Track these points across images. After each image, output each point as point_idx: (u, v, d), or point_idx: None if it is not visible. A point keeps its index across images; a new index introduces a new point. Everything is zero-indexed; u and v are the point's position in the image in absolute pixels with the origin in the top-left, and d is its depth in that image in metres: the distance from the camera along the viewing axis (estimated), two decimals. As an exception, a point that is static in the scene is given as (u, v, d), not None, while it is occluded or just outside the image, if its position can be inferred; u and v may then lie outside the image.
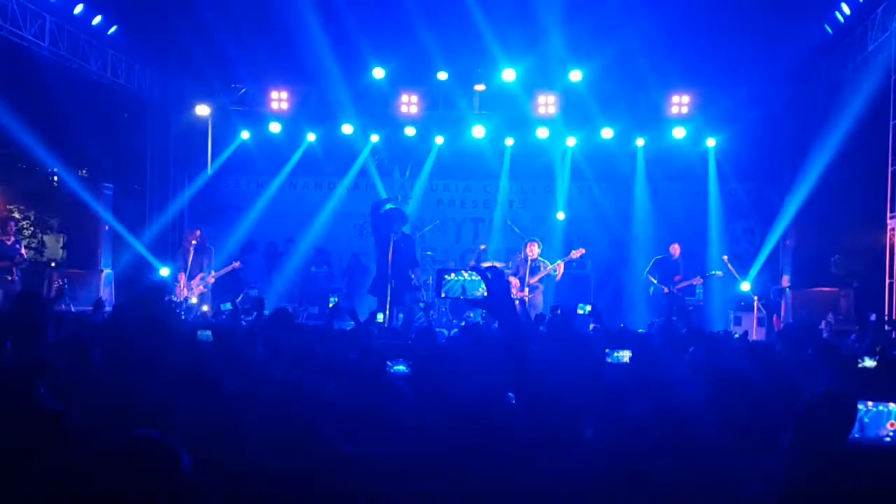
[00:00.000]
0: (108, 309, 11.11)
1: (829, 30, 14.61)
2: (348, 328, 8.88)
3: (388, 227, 12.89)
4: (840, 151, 14.32)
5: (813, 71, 16.05)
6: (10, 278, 12.85)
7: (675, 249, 14.56)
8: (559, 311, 9.31)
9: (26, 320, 5.53)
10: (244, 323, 9.71)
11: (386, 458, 3.49)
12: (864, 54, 13.87)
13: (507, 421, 3.59)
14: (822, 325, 11.25)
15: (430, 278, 15.51)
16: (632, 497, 3.25)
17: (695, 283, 14.65)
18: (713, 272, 14.81)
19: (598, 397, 4.25)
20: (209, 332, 7.31)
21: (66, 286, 12.81)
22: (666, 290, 14.28)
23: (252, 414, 4.04)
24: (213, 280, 14.13)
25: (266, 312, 9.24)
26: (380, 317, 10.24)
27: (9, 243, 13.10)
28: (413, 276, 13.31)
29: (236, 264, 14.37)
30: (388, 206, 13.88)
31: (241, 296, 14.24)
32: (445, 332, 10.95)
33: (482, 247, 16.58)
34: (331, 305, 10.39)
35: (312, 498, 3.22)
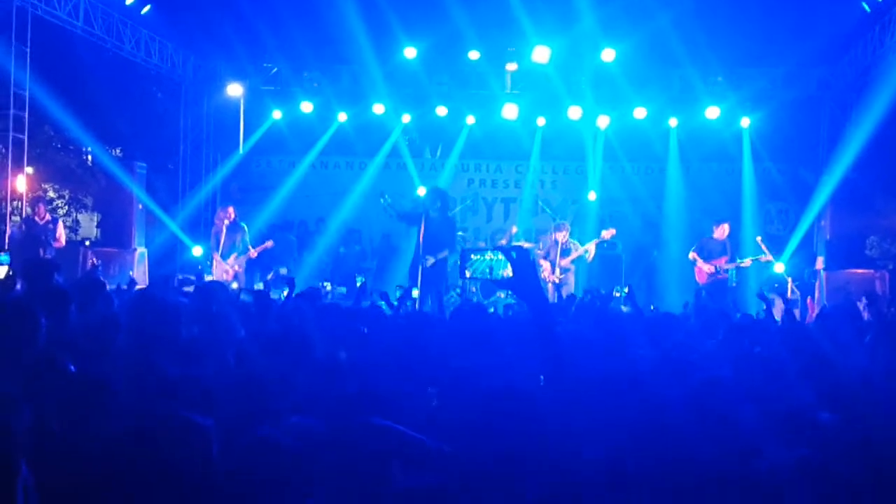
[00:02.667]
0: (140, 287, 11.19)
1: (867, 7, 14.38)
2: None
3: (423, 205, 12.61)
4: (876, 131, 14.13)
5: (849, 49, 15.83)
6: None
7: (722, 231, 14.08)
8: (590, 296, 9.24)
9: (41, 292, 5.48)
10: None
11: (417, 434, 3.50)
12: (902, 32, 13.66)
13: (534, 403, 3.59)
14: (861, 307, 11.06)
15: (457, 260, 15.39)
16: (660, 481, 3.24)
17: (743, 265, 14.16)
18: (757, 256, 14.34)
19: (629, 379, 4.23)
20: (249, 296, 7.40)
21: (100, 265, 12.89)
22: (717, 267, 13.87)
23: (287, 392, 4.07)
24: (254, 255, 14.10)
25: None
26: (414, 292, 10.17)
27: (41, 223, 13.22)
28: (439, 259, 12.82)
29: (269, 243, 14.39)
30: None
31: (272, 273, 14.23)
32: None
33: (513, 229, 16.50)
34: (358, 285, 10.37)
35: (346, 474, 3.24)
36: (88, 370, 3.90)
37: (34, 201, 13.81)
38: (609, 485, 3.12)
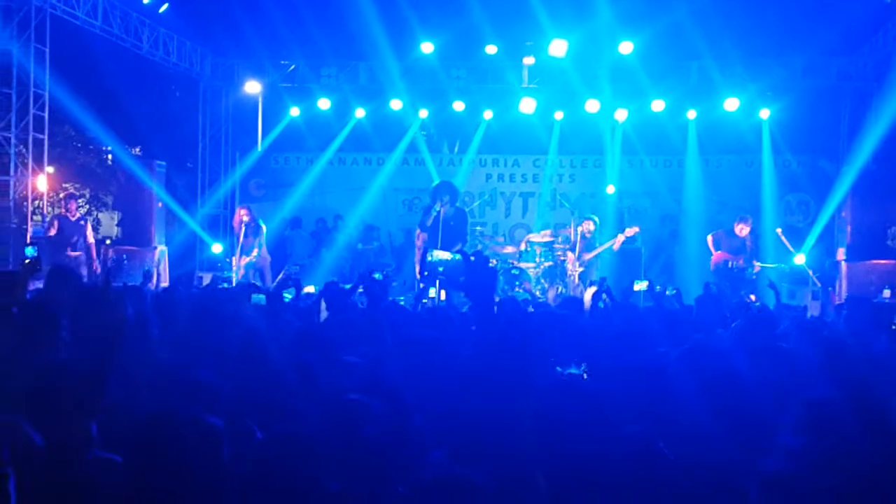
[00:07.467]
0: (152, 284, 11.22)
1: (887, -3, 14.30)
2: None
3: (434, 198, 12.31)
4: (896, 121, 14.06)
5: (869, 38, 15.73)
6: (72, 254, 13.04)
7: (741, 229, 13.80)
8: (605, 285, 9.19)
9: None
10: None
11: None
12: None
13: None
14: (889, 297, 10.95)
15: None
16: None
17: (756, 269, 13.83)
18: (775, 265, 14.09)
19: (650, 371, 4.23)
20: (262, 296, 7.41)
21: (125, 261, 12.94)
22: (731, 263, 13.70)
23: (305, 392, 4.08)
24: (253, 259, 14.20)
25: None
26: (432, 292, 10.11)
27: (72, 220, 13.29)
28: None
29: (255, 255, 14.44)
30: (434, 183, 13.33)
31: (283, 273, 14.25)
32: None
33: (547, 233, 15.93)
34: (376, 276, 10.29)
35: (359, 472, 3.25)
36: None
37: (67, 198, 13.91)
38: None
